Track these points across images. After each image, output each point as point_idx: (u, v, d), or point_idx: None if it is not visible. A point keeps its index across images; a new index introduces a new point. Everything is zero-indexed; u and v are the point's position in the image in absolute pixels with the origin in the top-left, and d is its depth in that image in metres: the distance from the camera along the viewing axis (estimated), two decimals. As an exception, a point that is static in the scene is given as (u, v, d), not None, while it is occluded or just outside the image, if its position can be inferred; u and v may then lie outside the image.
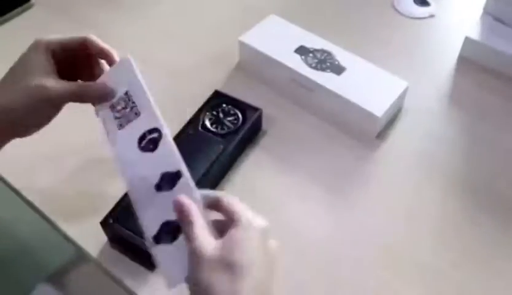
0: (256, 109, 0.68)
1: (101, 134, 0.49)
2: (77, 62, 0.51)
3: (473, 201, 0.63)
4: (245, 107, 0.68)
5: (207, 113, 0.67)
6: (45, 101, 0.46)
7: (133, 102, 0.49)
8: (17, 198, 0.64)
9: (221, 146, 0.63)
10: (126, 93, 0.49)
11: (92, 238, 0.58)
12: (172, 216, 0.42)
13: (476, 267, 0.57)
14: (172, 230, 0.42)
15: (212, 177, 0.62)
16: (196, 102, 0.68)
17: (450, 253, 0.59)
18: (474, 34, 0.80)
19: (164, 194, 0.44)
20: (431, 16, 0.89)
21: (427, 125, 0.73)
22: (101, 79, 0.51)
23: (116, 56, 0.51)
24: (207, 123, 0.66)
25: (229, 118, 0.66)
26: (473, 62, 0.80)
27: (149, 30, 0.87)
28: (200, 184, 0.58)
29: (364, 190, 0.65)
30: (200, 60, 0.81)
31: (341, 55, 0.74)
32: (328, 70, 0.72)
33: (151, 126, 0.47)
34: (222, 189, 0.63)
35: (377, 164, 0.67)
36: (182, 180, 0.44)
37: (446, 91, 0.78)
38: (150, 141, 0.47)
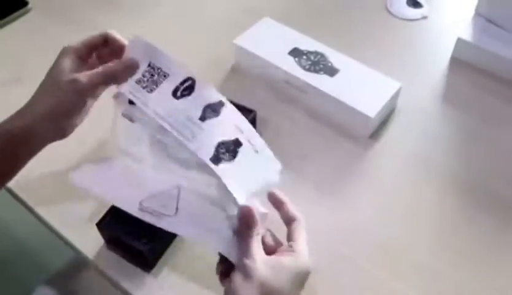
0: (250, 111, 0.68)
1: (115, 114, 0.52)
2: (103, 59, 0.55)
3: (468, 200, 0.64)
4: (239, 109, 0.68)
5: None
6: (79, 92, 0.50)
7: (159, 69, 0.52)
8: (14, 201, 0.64)
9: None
10: (149, 65, 0.52)
11: (89, 240, 0.58)
12: (225, 137, 0.48)
13: (473, 266, 0.58)
14: (229, 149, 0.47)
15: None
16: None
17: (447, 253, 0.59)
18: (467, 35, 0.81)
19: (211, 121, 0.49)
20: (424, 17, 0.90)
21: (421, 125, 0.74)
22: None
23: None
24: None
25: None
26: (465, 63, 0.81)
27: (147, 32, 0.86)
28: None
29: (359, 190, 0.65)
30: (197, 62, 0.81)
31: (334, 57, 0.75)
32: (322, 72, 0.73)
33: (182, 78, 0.51)
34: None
35: (371, 164, 0.68)
36: (227, 106, 0.49)
37: (439, 91, 0.79)
38: (184, 89, 0.51)
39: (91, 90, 0.51)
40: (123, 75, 0.52)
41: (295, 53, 0.75)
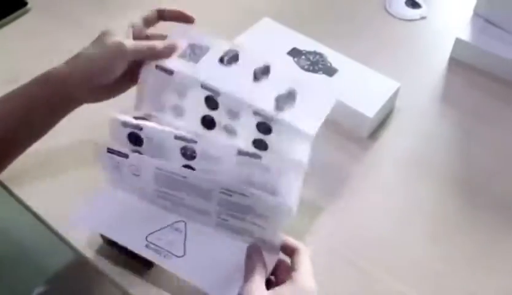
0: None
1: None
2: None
3: (468, 200, 0.64)
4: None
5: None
6: (120, 55, 0.54)
7: (199, 46, 0.56)
8: (13, 200, 0.64)
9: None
10: (189, 45, 0.57)
11: (88, 240, 0.58)
12: (280, 91, 0.53)
13: (473, 266, 0.58)
14: (287, 98, 0.53)
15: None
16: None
17: (446, 252, 0.59)
18: (465, 35, 0.81)
19: (264, 81, 0.54)
20: (423, 18, 0.90)
21: (419, 125, 0.74)
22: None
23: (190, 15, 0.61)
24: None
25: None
26: (464, 63, 0.81)
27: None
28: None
29: (357, 190, 0.65)
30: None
31: (333, 57, 0.75)
32: (321, 72, 0.73)
33: (225, 49, 0.55)
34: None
35: (369, 164, 0.68)
36: (274, 65, 0.54)
37: (437, 91, 0.79)
38: (231, 58, 0.55)
39: (132, 57, 0.55)
40: (163, 53, 0.56)
41: (294, 53, 0.75)
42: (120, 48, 0.54)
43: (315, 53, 0.75)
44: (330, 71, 0.73)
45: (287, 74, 0.54)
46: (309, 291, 0.44)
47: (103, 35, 0.56)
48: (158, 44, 0.56)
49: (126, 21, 0.88)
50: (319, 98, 0.53)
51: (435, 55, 0.84)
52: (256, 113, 0.52)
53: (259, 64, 0.54)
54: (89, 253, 0.58)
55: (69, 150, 0.66)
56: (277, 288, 0.44)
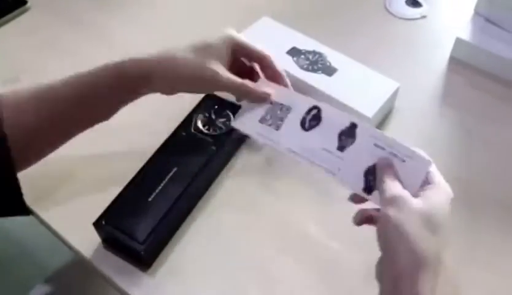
0: (248, 111, 0.68)
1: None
2: (244, 67, 0.60)
3: (467, 200, 0.64)
4: (237, 109, 0.68)
5: (200, 114, 0.68)
6: (212, 83, 0.55)
7: (281, 104, 0.54)
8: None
9: (214, 147, 0.63)
10: (271, 102, 0.55)
11: (86, 239, 0.58)
12: (369, 162, 0.47)
13: (473, 266, 0.58)
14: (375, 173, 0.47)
15: (204, 178, 0.63)
16: (188, 103, 0.69)
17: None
18: (465, 34, 0.81)
19: (350, 149, 0.48)
20: (423, 17, 0.90)
21: (419, 125, 0.74)
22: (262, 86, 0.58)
23: (288, 83, 0.59)
24: (200, 124, 0.66)
25: (221, 120, 0.67)
26: (464, 63, 0.81)
27: (145, 32, 0.88)
28: (192, 185, 0.60)
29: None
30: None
31: (333, 56, 0.75)
32: (320, 72, 0.73)
33: (306, 108, 0.52)
34: (215, 191, 0.64)
35: (368, 164, 0.68)
36: (359, 127, 0.48)
37: (437, 91, 0.79)
38: (312, 119, 0.51)
39: (221, 89, 0.57)
40: (252, 99, 0.56)
41: (293, 52, 0.75)
42: (214, 77, 0.54)
43: (314, 53, 0.75)
44: (329, 71, 0.73)
45: (373, 137, 0.48)
46: (450, 195, 0.45)
47: (207, 48, 0.55)
48: (250, 91, 0.56)
49: (123, 19, 0.89)
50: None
51: (435, 55, 0.83)
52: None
53: (344, 123, 0.49)
54: (89, 253, 0.58)
55: (69, 149, 0.66)
56: (424, 193, 0.44)
